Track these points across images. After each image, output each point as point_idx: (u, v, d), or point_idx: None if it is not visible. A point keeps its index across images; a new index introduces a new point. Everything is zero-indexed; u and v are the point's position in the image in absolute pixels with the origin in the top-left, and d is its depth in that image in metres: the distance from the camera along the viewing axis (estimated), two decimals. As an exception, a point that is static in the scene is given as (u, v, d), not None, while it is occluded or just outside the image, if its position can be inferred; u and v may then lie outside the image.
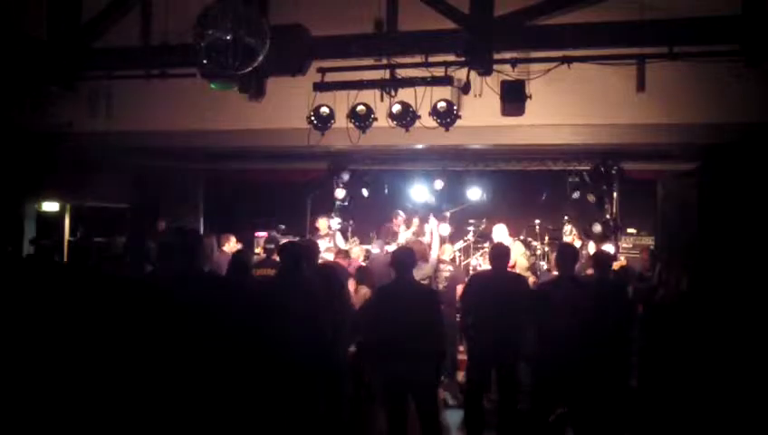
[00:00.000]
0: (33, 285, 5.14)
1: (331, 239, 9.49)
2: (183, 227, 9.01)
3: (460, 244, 10.08)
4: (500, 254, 5.82)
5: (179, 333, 4.49)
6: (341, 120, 6.75)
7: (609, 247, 8.68)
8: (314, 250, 6.41)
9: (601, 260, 6.23)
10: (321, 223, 9.77)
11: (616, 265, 7.12)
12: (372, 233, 10.29)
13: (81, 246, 7.97)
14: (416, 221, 9.86)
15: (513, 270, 7.43)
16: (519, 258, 8.57)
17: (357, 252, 8.68)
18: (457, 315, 7.74)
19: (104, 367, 4.59)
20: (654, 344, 5.24)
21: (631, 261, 9.05)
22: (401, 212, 10.03)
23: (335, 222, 10.01)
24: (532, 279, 8.35)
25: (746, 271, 6.55)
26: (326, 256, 7.51)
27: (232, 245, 8.68)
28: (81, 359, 4.60)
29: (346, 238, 10.14)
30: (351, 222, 10.57)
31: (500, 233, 8.43)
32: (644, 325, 5.95)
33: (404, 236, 9.55)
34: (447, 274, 7.93)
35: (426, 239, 8.57)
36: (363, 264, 8.07)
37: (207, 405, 4.53)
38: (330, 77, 6.27)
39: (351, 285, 6.61)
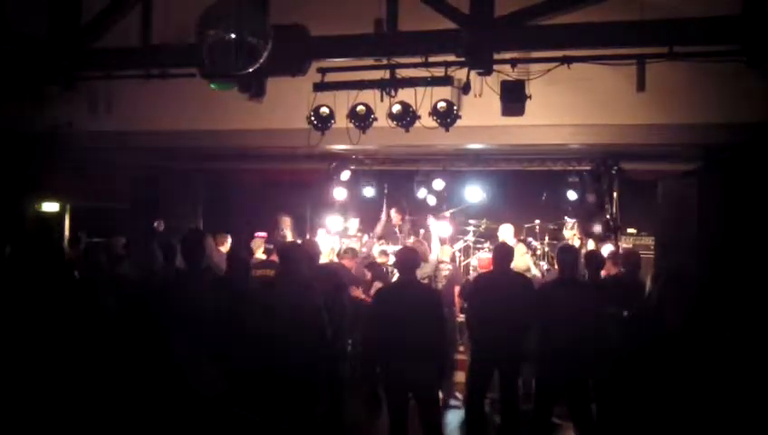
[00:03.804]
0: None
1: (358, 240, 9.50)
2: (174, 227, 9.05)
3: (460, 244, 10.08)
4: (503, 254, 5.82)
5: (180, 331, 4.50)
6: (341, 120, 6.75)
7: (608, 247, 8.67)
8: (314, 250, 6.41)
9: (593, 260, 6.21)
10: (352, 223, 9.79)
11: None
12: (371, 232, 10.31)
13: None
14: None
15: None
16: (519, 259, 8.54)
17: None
18: (460, 315, 7.76)
19: (107, 364, 4.61)
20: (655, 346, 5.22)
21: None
22: (392, 212, 10.07)
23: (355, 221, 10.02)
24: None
25: (746, 270, 6.55)
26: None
27: (229, 245, 8.71)
28: (85, 355, 4.61)
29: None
30: (354, 215, 10.59)
31: (506, 232, 8.43)
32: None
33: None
34: (446, 273, 7.94)
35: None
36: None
37: (208, 403, 4.54)
38: (330, 77, 6.27)
39: (358, 290, 6.63)
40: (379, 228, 10.00)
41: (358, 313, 6.59)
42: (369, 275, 6.93)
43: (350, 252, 7.25)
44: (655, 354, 4.57)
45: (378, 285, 6.76)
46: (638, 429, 4.70)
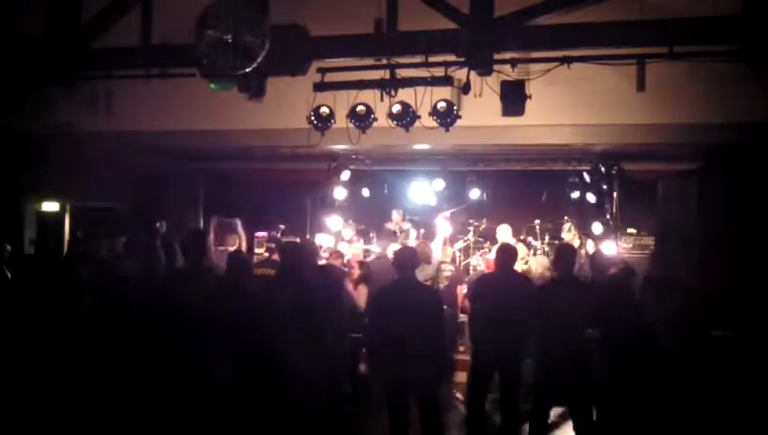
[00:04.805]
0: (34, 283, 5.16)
1: (357, 241, 9.51)
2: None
3: (460, 244, 10.09)
4: (506, 254, 5.82)
5: (180, 330, 4.50)
6: (341, 120, 6.76)
7: (609, 247, 8.67)
8: (314, 250, 6.42)
9: (599, 261, 6.21)
10: (346, 232, 9.82)
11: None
12: (372, 233, 10.31)
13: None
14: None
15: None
16: (537, 261, 8.52)
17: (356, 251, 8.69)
18: (461, 316, 7.76)
19: (107, 364, 4.61)
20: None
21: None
22: (394, 212, 10.08)
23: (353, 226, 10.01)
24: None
25: (746, 270, 6.56)
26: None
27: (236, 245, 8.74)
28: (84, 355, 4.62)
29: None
30: (351, 222, 10.59)
31: (504, 233, 8.43)
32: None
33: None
34: (448, 273, 7.95)
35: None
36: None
37: (207, 403, 4.54)
38: (330, 77, 6.26)
39: (351, 285, 6.60)
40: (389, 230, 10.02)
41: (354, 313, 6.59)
42: (358, 271, 6.88)
43: (335, 254, 7.24)
44: (645, 359, 4.56)
45: (362, 288, 6.70)
46: (637, 429, 4.71)
